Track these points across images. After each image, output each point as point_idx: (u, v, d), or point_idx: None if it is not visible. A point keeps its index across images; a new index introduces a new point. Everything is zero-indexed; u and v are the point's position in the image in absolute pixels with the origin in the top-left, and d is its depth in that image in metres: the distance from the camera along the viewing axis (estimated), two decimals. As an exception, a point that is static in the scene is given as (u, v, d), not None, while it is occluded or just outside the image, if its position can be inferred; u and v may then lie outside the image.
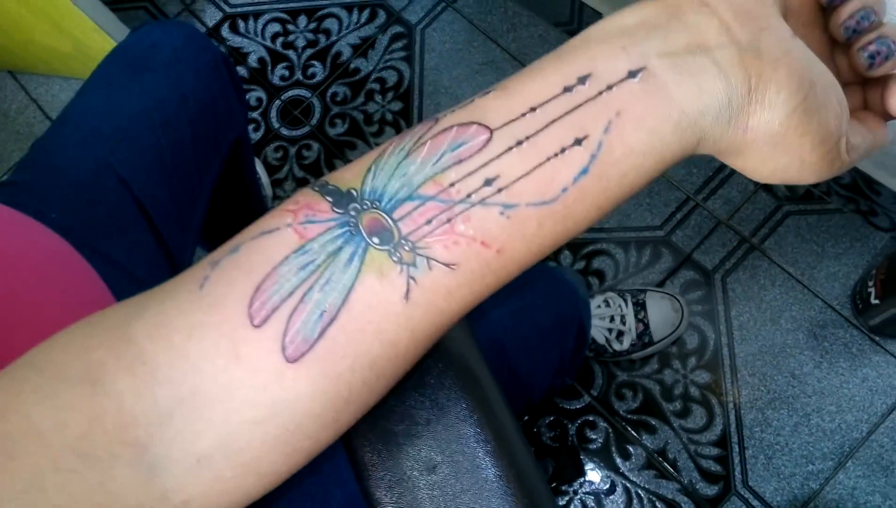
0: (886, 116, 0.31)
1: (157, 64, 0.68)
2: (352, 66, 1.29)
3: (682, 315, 1.04)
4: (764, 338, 1.07)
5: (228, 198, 0.87)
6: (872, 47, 0.28)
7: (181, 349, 0.25)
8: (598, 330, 1.02)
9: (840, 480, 0.99)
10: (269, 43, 1.32)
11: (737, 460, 1.02)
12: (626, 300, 1.03)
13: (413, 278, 0.25)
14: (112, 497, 0.24)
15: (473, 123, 0.25)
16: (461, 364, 0.37)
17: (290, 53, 1.31)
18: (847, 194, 1.06)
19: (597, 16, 1.15)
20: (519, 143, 0.25)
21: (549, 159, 0.25)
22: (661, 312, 1.03)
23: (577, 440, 1.06)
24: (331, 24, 1.32)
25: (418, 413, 0.35)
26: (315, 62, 1.30)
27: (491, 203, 0.25)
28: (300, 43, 1.32)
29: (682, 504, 1.02)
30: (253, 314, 0.25)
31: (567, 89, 0.25)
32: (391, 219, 0.25)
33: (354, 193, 0.26)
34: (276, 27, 1.33)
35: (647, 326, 1.02)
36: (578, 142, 0.25)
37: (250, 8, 1.35)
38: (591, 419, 1.07)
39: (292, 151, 1.26)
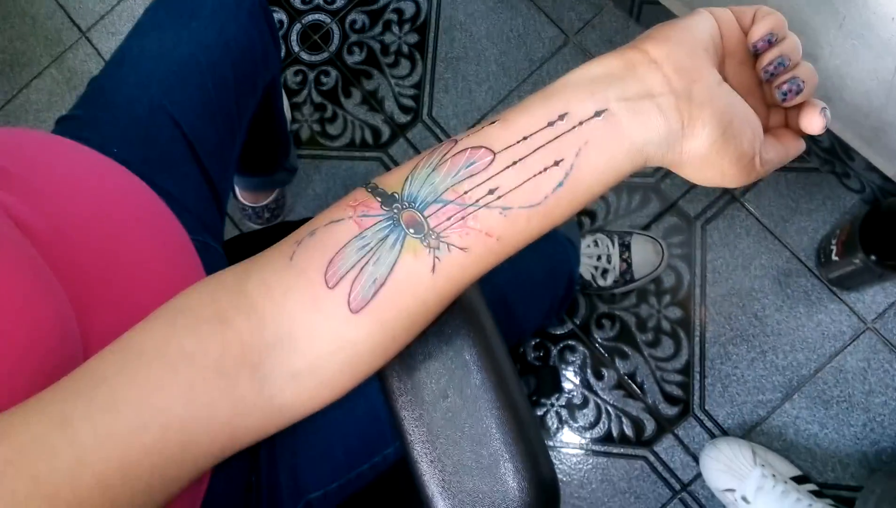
0: (800, 133, 0.40)
1: (204, 12, 0.75)
2: (371, -6, 1.34)
3: (663, 258, 1.14)
4: (734, 282, 1.18)
5: (259, 130, 0.95)
6: (785, 87, 0.38)
7: (280, 302, 0.36)
8: (586, 267, 1.13)
9: (786, 409, 1.13)
10: (291, -35, 1.36)
11: (697, 386, 1.16)
12: (612, 241, 1.14)
13: (438, 258, 0.35)
14: (239, 399, 0.35)
15: (482, 146, 0.35)
16: (472, 317, 0.47)
17: (312, -22, 1.35)
18: (825, 157, 1.15)
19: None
20: (514, 163, 0.35)
21: (535, 175, 0.35)
22: (644, 253, 1.13)
23: (558, 361, 1.20)
24: (353, -50, 1.36)
25: (436, 353, 0.46)
26: (336, -12, 1.35)
27: (493, 206, 0.35)
28: (322, -32, 1.36)
29: (645, 421, 1.16)
30: (328, 280, 0.35)
31: (550, 124, 0.35)
32: (423, 216, 0.35)
33: (396, 195, 0.36)
34: (299, -51, 1.37)
35: (629, 265, 1.13)
36: (557, 163, 0.34)
37: (274, -73, 1.38)
38: (572, 343, 1.20)
39: (311, 76, 1.32)
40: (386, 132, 1.29)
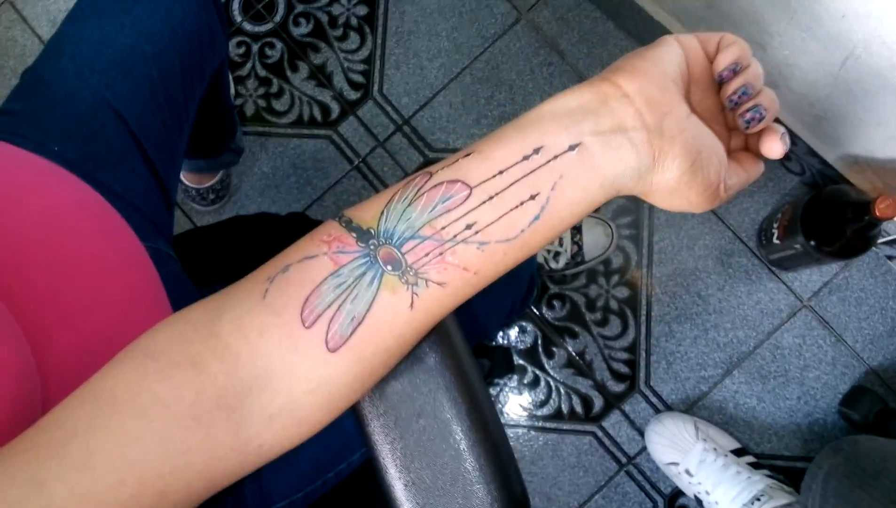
0: (760, 156, 0.42)
1: (147, -5, 0.70)
2: (317, -37, 1.28)
3: (612, 240, 1.16)
4: (679, 262, 1.21)
5: (204, 112, 0.90)
6: (748, 115, 0.39)
7: (255, 342, 0.35)
8: (539, 251, 1.14)
9: (726, 385, 1.18)
10: (231, -71, 1.29)
11: (642, 364, 1.20)
12: (564, 224, 1.15)
13: (416, 294, 0.35)
14: (215, 444, 0.34)
15: (458, 180, 0.35)
16: (444, 337, 0.47)
17: (254, -57, 1.29)
18: (768, 140, 1.18)
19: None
20: (490, 197, 0.35)
21: (511, 210, 0.35)
22: (594, 236, 1.15)
23: (510, 342, 1.21)
24: (297, -86, 1.29)
25: (408, 376, 0.46)
26: (280, -44, 1.29)
27: (470, 241, 0.35)
28: (265, -67, 1.29)
29: (594, 398, 1.20)
30: (304, 319, 0.35)
31: (525, 157, 0.35)
32: (400, 252, 0.35)
33: (372, 231, 0.36)
34: (240, -88, 1.29)
35: (580, 248, 1.15)
36: (532, 197, 0.35)
37: None
38: (524, 324, 1.21)
39: (255, 48, 1.27)
40: (335, 109, 1.26)
